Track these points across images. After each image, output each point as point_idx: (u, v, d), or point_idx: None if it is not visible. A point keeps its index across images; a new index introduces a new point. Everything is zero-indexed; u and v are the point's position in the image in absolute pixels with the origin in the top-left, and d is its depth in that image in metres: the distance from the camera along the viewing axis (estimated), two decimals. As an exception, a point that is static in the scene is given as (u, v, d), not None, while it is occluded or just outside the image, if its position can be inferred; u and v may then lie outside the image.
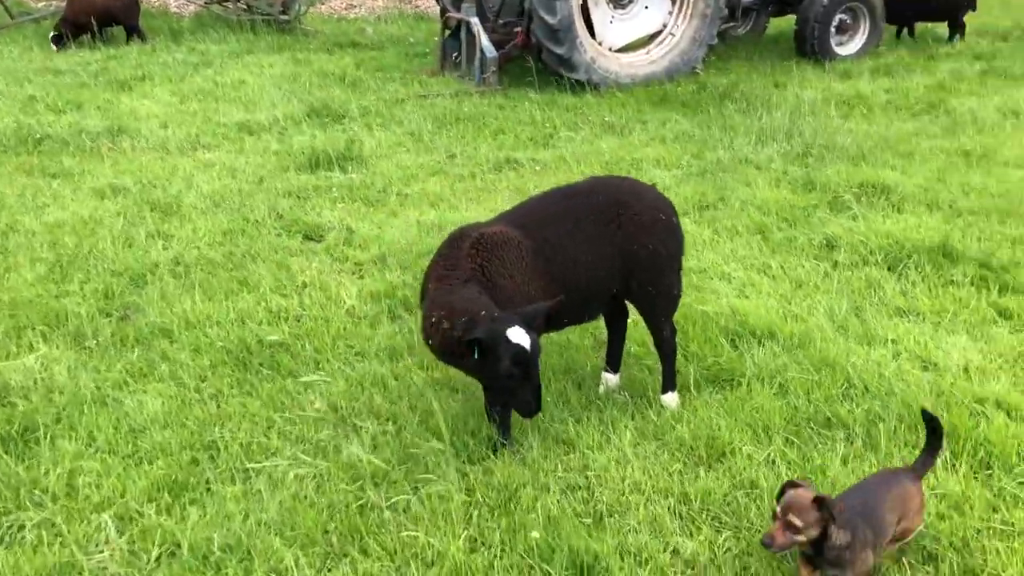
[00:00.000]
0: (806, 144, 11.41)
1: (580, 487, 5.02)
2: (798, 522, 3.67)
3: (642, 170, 11.02)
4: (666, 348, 5.72)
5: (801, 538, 3.69)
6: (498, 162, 11.41)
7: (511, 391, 4.62)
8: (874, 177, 9.95)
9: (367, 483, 5.08)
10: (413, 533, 4.57)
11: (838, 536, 3.68)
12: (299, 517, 4.82)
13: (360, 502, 4.92)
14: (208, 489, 5.14)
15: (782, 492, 3.82)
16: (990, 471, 4.95)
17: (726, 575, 4.29)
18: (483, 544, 4.56)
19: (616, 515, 4.79)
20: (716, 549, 4.50)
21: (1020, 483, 4.78)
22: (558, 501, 4.85)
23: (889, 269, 7.86)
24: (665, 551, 4.48)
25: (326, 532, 4.72)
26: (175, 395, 6.12)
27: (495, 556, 4.45)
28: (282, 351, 6.74)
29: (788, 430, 5.47)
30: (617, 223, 5.23)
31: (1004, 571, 4.14)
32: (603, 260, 5.21)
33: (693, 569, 4.36)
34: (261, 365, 6.53)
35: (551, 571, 4.29)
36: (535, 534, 4.50)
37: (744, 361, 6.27)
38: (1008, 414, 5.46)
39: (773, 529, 3.76)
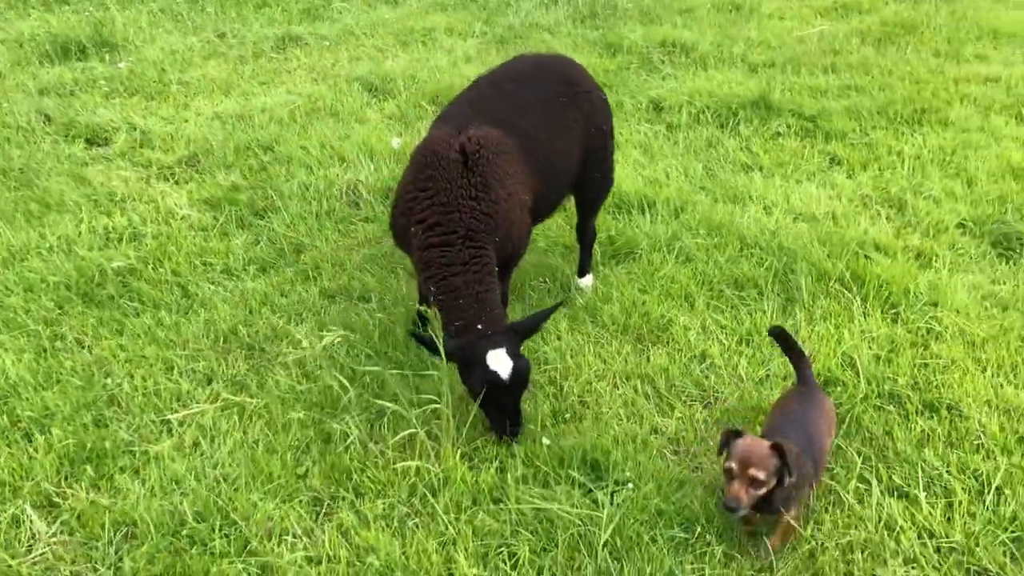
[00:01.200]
0: (591, 5, 11.42)
1: (546, 383, 4.88)
2: (762, 475, 3.29)
3: (438, 40, 10.55)
4: (590, 236, 5.66)
5: (762, 493, 3.33)
6: (278, 39, 10.42)
7: (486, 409, 4.25)
8: (671, 36, 10.21)
9: (317, 413, 4.60)
10: (409, 463, 4.22)
11: (789, 480, 3.34)
12: (262, 465, 4.28)
13: (323, 437, 4.45)
14: (131, 452, 4.40)
15: (725, 443, 3.45)
16: (896, 310, 5.41)
17: (711, 446, 4.39)
18: (482, 460, 4.33)
19: (591, 406, 4.71)
20: (694, 423, 4.58)
21: (930, 316, 5.25)
22: (533, 401, 4.70)
23: (721, 127, 8.19)
24: (651, 434, 4.50)
25: (302, 477, 4.23)
26: (29, 346, 5.12)
27: (501, 470, 4.25)
28: (134, 278, 5.84)
29: (707, 295, 5.62)
30: (576, 104, 4.96)
31: (960, 401, 4.59)
32: (572, 145, 4.94)
33: (680, 445, 4.42)
34: (118, 298, 5.62)
35: (571, 473, 4.16)
36: (546, 441, 4.33)
37: (636, 233, 6.31)
38: (885, 254, 5.96)
39: (734, 489, 3.32)
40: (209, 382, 4.96)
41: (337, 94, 8.90)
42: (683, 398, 4.79)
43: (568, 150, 4.88)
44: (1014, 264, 5.95)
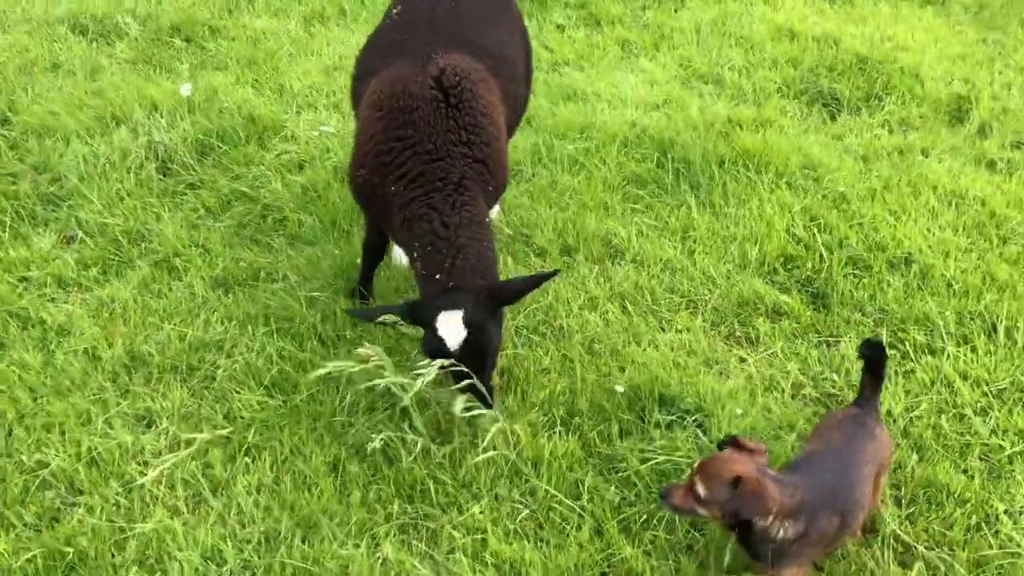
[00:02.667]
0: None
1: (546, 330, 4.51)
2: (700, 491, 2.79)
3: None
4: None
5: (702, 512, 2.83)
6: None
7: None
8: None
9: (323, 427, 3.88)
10: (488, 453, 3.69)
11: (783, 528, 2.79)
12: (307, 505, 3.52)
13: (350, 452, 3.77)
14: (119, 540, 3.39)
15: (719, 446, 3.02)
16: (788, 179, 5.68)
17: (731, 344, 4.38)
18: (543, 428, 3.91)
19: (600, 339, 4.45)
20: (702, 331, 4.52)
21: (827, 179, 5.58)
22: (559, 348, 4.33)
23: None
24: (670, 351, 4.36)
25: (362, 505, 3.55)
26: None
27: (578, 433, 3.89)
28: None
29: (620, 199, 5.49)
30: (509, 9, 4.42)
31: (921, 251, 4.95)
32: (519, 59, 4.41)
33: (707, 356, 4.35)
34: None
35: (645, 410, 3.91)
36: (619, 388, 4.00)
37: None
38: (743, 128, 6.21)
39: (677, 485, 2.93)
40: (149, 425, 3.92)
41: (45, 42, 7.18)
42: (670, 308, 4.65)
43: (518, 64, 4.38)
44: (838, 119, 6.46)
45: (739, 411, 3.82)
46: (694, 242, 5.11)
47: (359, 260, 4.51)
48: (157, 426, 3.90)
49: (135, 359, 4.25)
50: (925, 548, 3.32)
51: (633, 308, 4.64)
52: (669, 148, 5.89)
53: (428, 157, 3.62)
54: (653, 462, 3.62)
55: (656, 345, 4.34)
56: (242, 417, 3.93)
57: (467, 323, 3.32)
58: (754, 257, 4.94)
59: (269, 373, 4.14)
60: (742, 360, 4.31)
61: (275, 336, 4.39)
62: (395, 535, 3.41)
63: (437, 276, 3.47)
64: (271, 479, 3.63)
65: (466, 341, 3.32)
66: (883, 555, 3.28)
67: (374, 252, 4.35)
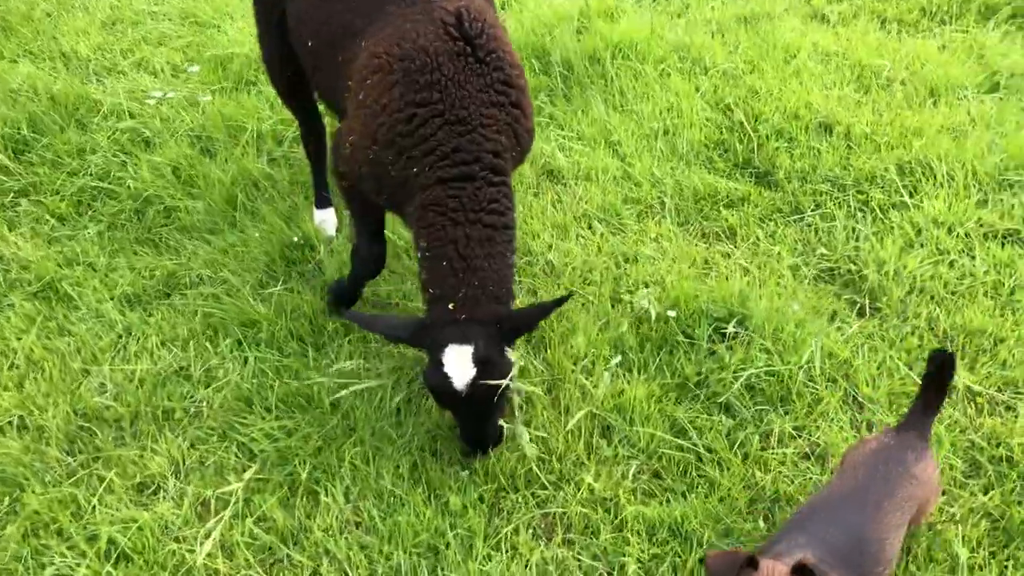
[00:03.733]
0: None
1: (528, 272, 4.20)
2: None
3: None
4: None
5: None
6: None
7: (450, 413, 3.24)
8: None
9: (374, 438, 3.39)
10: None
11: None
12: (413, 523, 3.09)
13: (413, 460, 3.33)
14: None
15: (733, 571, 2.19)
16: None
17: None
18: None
19: (593, 273, 4.24)
20: (724, 260, 4.44)
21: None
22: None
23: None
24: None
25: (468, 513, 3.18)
26: None
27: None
28: None
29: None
30: None
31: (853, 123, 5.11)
32: None
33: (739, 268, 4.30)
34: None
35: (689, 328, 3.79)
36: (671, 312, 3.79)
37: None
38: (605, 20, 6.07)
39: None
40: (156, 492, 3.21)
41: None
42: (634, 218, 4.51)
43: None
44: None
45: (795, 306, 3.76)
46: (619, 145, 4.92)
47: (350, 274, 3.74)
48: (165, 491, 3.18)
49: (89, 417, 3.42)
50: (995, 391, 3.50)
51: (604, 227, 4.41)
52: (543, 54, 5.60)
53: (462, 128, 3.01)
54: (743, 379, 3.48)
55: (648, 260, 4.16)
56: (263, 451, 3.30)
57: (477, 361, 2.90)
58: (686, 150, 4.86)
59: (270, 391, 3.49)
60: (727, 256, 4.26)
61: (246, 347, 3.70)
62: (531, 530, 3.04)
63: (442, 296, 3.02)
64: (349, 509, 3.09)
65: (474, 381, 2.91)
66: (963, 409, 3.41)
67: (374, 262, 3.60)
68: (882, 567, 2.38)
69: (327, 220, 4.38)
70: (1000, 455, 3.20)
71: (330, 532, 3.03)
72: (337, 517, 3.08)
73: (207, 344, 3.72)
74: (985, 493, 3.08)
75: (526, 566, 2.93)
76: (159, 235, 4.36)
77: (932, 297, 3.90)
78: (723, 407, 3.43)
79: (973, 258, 4.08)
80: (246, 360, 3.66)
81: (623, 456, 3.28)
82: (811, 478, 3.14)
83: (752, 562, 2.18)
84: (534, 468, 3.21)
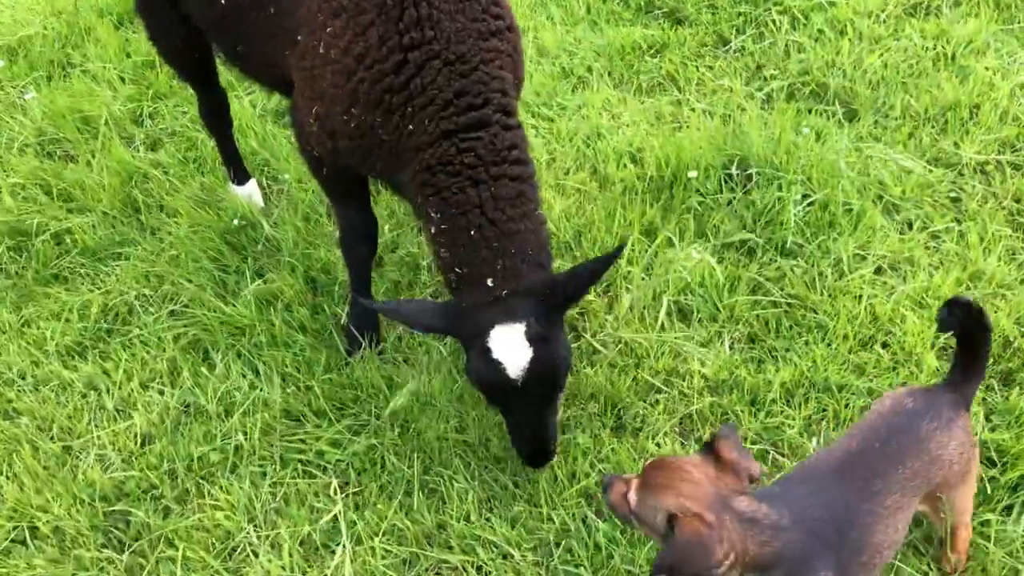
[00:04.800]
0: None
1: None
2: (633, 502, 1.98)
3: None
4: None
5: (639, 528, 2.05)
6: None
7: (500, 412, 2.71)
8: None
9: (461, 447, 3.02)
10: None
11: None
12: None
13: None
14: None
15: (708, 443, 2.00)
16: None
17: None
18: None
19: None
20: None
21: None
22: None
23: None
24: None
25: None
26: None
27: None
28: None
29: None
30: None
31: None
32: None
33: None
34: None
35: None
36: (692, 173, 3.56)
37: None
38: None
39: (622, 480, 2.05)
40: (252, 552, 2.71)
41: None
42: (578, 89, 4.22)
43: None
44: None
45: (799, 136, 3.64)
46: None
47: (346, 266, 3.18)
48: (253, 546, 2.68)
49: (110, 499, 2.81)
50: (996, 156, 3.58)
51: (549, 111, 4.09)
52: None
53: (464, 67, 2.46)
54: (794, 216, 3.35)
55: (614, 131, 3.91)
56: (340, 461, 2.85)
57: (532, 340, 2.41)
58: (583, 10, 4.58)
59: (310, 394, 3.01)
60: (680, 103, 4.08)
61: (248, 356, 3.16)
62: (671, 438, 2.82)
63: (473, 274, 2.49)
64: (477, 489, 2.74)
65: (532, 365, 2.42)
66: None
67: (365, 241, 3.04)
68: (865, 556, 1.99)
69: (253, 194, 3.78)
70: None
71: (472, 521, 2.66)
72: (471, 501, 2.70)
73: (202, 370, 3.13)
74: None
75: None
76: (62, 268, 3.60)
77: (895, 86, 3.89)
78: (781, 250, 3.28)
79: (906, 39, 4.10)
80: (257, 371, 3.12)
81: (714, 332, 3.08)
82: (898, 288, 3.08)
83: (713, 441, 1.98)
84: (639, 378, 2.95)
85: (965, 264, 3.16)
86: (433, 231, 2.55)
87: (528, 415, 2.55)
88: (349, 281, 3.17)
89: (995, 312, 2.97)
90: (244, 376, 3.11)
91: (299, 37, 2.62)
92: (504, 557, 2.59)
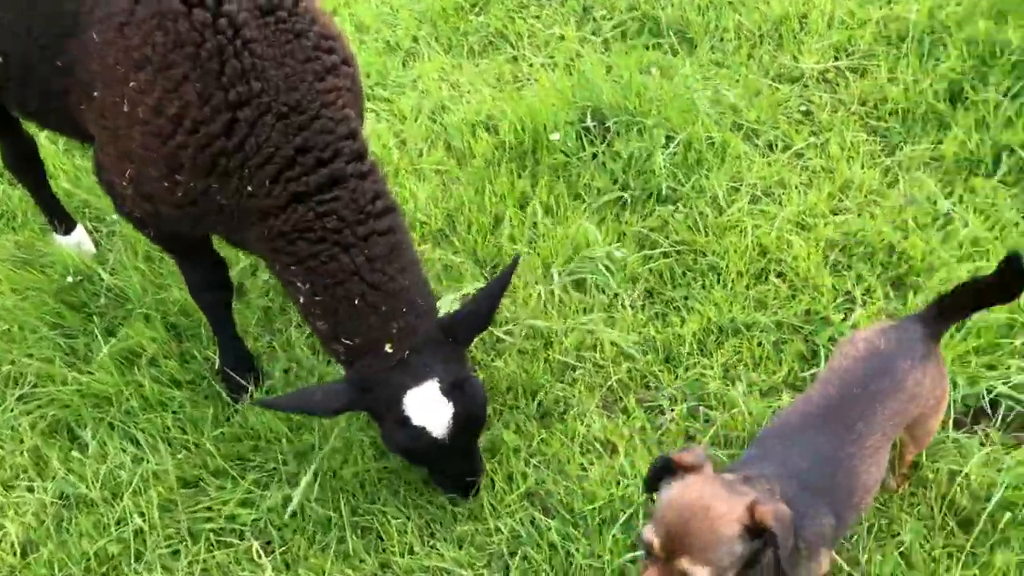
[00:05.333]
0: None
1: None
2: (702, 572, 1.75)
3: None
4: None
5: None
6: None
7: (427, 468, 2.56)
8: None
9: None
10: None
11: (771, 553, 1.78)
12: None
13: None
14: None
15: (655, 477, 1.88)
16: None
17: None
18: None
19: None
20: None
21: None
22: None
23: None
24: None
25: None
26: None
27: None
28: None
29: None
30: None
31: None
32: None
33: None
34: None
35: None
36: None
37: None
38: None
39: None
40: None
41: None
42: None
43: None
44: None
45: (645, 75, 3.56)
46: None
47: (209, 321, 2.90)
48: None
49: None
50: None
51: (387, 91, 3.86)
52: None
53: (301, 116, 2.16)
54: (661, 163, 3.28)
55: (455, 104, 3.73)
56: (256, 520, 2.61)
57: (449, 394, 2.25)
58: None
59: (207, 454, 2.74)
60: (517, 60, 3.95)
61: (126, 428, 2.85)
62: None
63: (367, 341, 2.26)
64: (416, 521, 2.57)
65: (455, 419, 2.26)
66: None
67: (215, 288, 2.76)
68: (856, 498, 2.02)
69: (82, 242, 3.39)
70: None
71: (417, 552, 2.49)
72: (411, 532, 2.53)
73: (73, 454, 2.79)
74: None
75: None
76: None
77: (724, 8, 3.88)
78: (658, 198, 3.23)
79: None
80: (137, 441, 2.81)
81: (611, 295, 3.00)
82: (778, 214, 3.07)
83: (674, 470, 1.87)
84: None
85: (833, 177, 3.19)
86: (303, 300, 2.29)
87: (458, 463, 2.42)
88: (214, 332, 2.88)
89: (872, 219, 3.02)
90: (124, 450, 2.79)
91: (95, 92, 2.25)
92: (459, 581, 2.44)
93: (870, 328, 2.22)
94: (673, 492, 1.88)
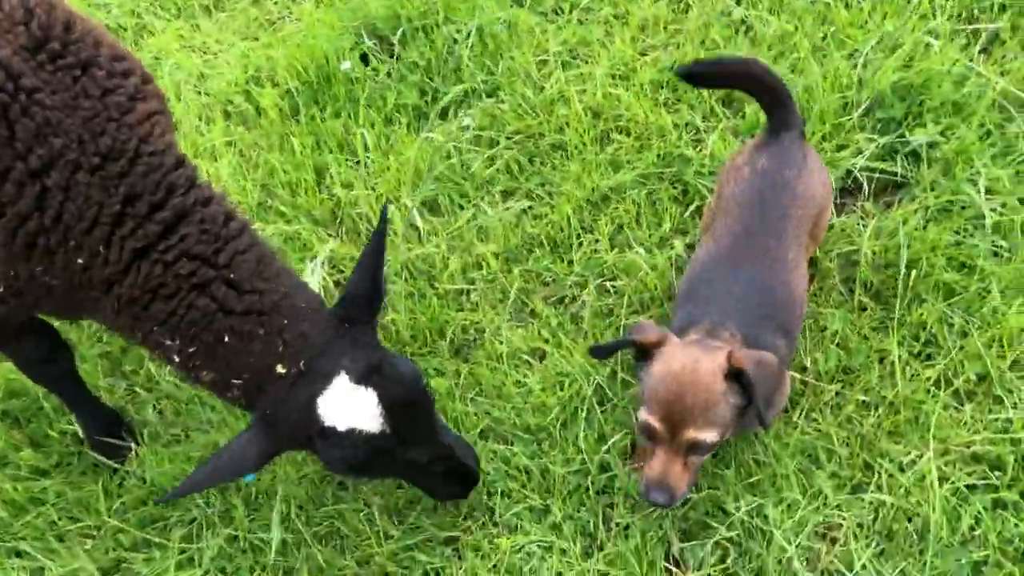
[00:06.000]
0: None
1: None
2: (711, 436, 1.81)
3: None
4: None
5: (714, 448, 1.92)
6: None
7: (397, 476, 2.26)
8: None
9: None
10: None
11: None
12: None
13: None
14: None
15: (639, 355, 1.90)
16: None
17: None
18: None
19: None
20: None
21: None
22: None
23: None
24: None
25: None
26: None
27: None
28: None
29: None
30: None
31: None
32: None
33: None
34: None
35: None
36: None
37: None
38: None
39: (661, 469, 1.86)
40: None
41: None
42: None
43: None
44: None
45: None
46: None
47: (55, 390, 2.46)
48: None
49: None
50: None
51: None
52: None
53: (119, 162, 1.81)
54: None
55: (210, 54, 3.36)
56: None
57: (363, 379, 1.90)
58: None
59: (122, 538, 2.40)
60: None
61: (5, 542, 2.44)
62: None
63: (258, 371, 1.92)
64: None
65: (385, 398, 1.91)
66: None
67: (52, 363, 2.35)
68: (799, 310, 2.06)
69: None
70: None
71: (395, 536, 2.32)
72: (383, 519, 2.34)
73: None
74: None
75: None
76: None
77: None
78: (476, 94, 3.07)
79: None
80: (21, 552, 2.41)
81: (472, 206, 2.86)
82: (594, 72, 3.02)
83: (647, 345, 1.87)
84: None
85: (628, 20, 3.15)
86: (177, 360, 1.94)
87: (426, 453, 2.05)
88: (61, 399, 2.48)
89: (679, 48, 3.03)
90: (14, 569, 2.37)
91: None
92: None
93: (741, 152, 2.24)
94: (656, 370, 1.86)
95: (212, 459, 1.91)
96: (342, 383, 1.89)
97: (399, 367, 1.97)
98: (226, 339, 1.89)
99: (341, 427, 1.89)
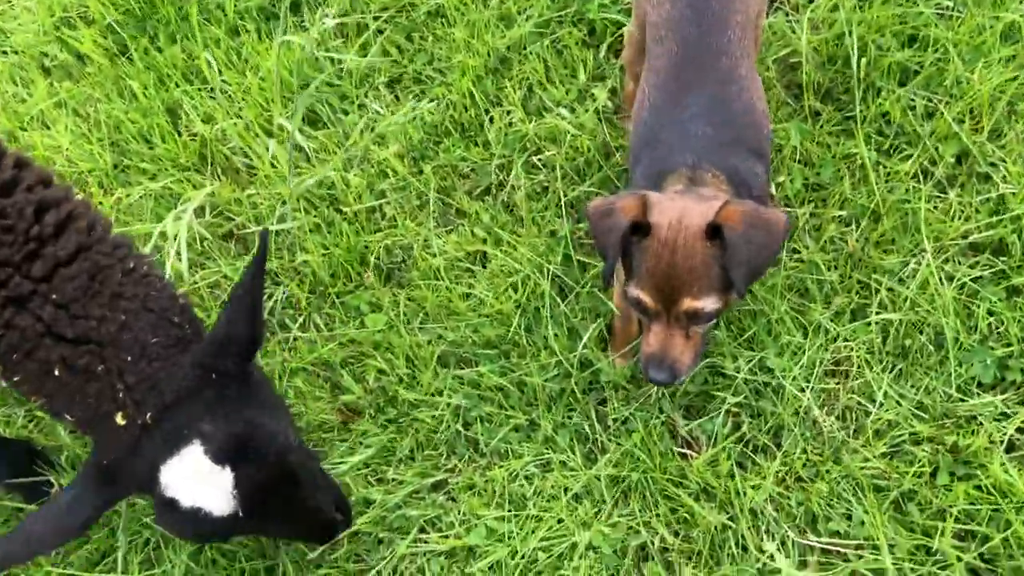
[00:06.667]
0: None
1: None
2: (710, 304, 1.58)
3: None
4: None
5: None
6: None
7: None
8: None
9: None
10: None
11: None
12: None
13: None
14: None
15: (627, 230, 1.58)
16: None
17: None
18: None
19: None
20: None
21: None
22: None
23: None
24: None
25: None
26: None
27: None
28: None
29: None
30: None
31: None
32: None
33: None
34: None
35: None
36: None
37: None
38: None
39: (658, 339, 1.65)
40: None
41: None
42: None
43: None
44: None
45: None
46: None
47: None
48: None
49: None
50: None
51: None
52: None
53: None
54: None
55: None
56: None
57: (223, 454, 1.53)
58: None
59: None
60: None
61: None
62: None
63: (112, 419, 1.55)
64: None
65: (244, 487, 1.55)
66: None
67: None
68: (765, 128, 1.83)
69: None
70: None
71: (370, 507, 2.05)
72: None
73: None
74: None
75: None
76: None
77: None
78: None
79: None
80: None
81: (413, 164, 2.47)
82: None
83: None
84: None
85: None
86: (25, 389, 1.61)
87: (286, 527, 1.73)
88: None
89: None
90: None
91: None
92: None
93: None
94: (644, 243, 1.58)
95: (21, 526, 1.54)
96: (194, 455, 1.53)
97: (267, 438, 1.57)
98: (56, 372, 1.53)
99: (185, 503, 1.54)
